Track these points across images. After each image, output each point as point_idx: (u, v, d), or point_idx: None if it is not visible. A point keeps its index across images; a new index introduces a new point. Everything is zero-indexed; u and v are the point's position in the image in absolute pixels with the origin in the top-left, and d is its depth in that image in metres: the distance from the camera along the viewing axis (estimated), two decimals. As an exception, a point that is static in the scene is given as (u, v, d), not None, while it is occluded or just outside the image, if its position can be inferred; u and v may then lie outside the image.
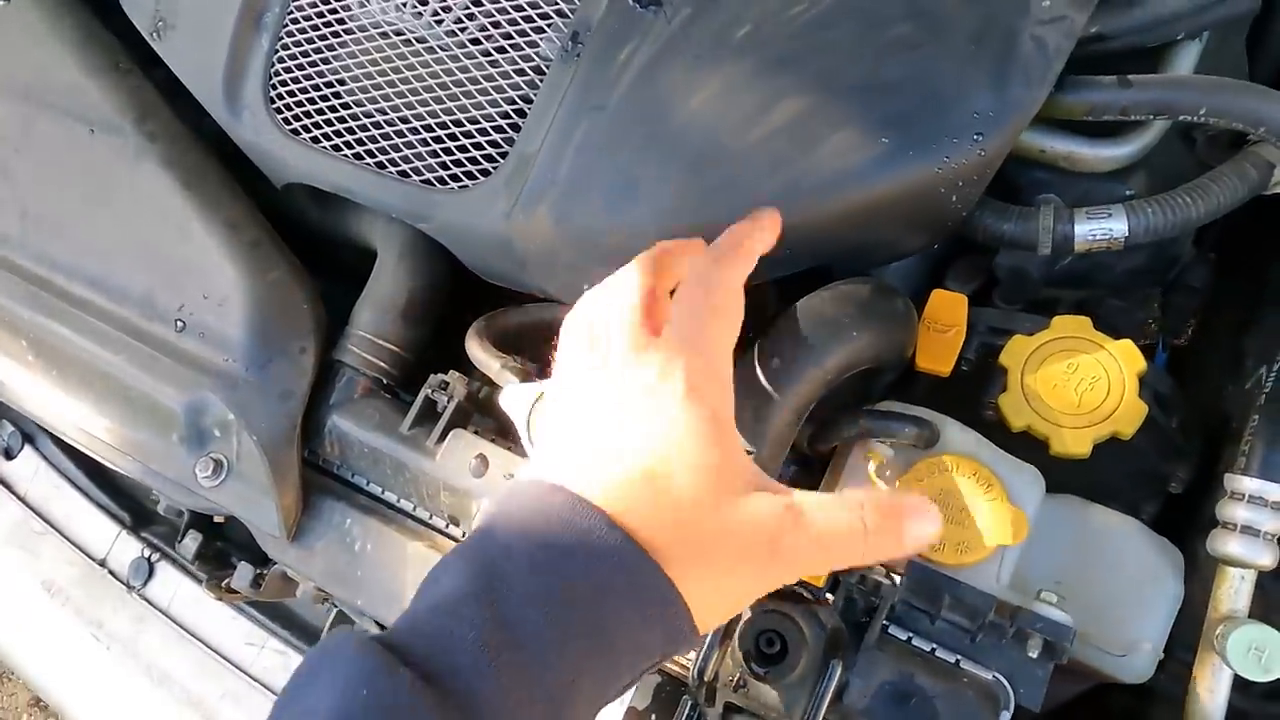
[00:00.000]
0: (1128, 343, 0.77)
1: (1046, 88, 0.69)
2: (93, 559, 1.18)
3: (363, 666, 0.41)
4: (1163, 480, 0.89)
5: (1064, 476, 0.77)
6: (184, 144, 0.88)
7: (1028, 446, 0.77)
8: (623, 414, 0.49)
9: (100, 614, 1.16)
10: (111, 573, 1.18)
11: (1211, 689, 0.65)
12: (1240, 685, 0.66)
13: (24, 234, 0.89)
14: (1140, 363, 0.77)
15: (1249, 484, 0.64)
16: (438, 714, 0.41)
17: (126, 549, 1.19)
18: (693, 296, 0.55)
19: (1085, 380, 0.77)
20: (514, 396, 0.72)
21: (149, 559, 1.17)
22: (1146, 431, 0.78)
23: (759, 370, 0.69)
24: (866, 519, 0.49)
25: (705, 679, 0.66)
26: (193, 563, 0.89)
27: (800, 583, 0.68)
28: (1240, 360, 1.00)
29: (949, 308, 0.80)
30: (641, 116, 0.74)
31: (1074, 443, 0.76)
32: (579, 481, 0.47)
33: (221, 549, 0.90)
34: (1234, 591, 0.63)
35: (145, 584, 1.16)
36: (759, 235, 0.62)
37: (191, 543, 0.88)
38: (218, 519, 0.91)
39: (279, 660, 1.10)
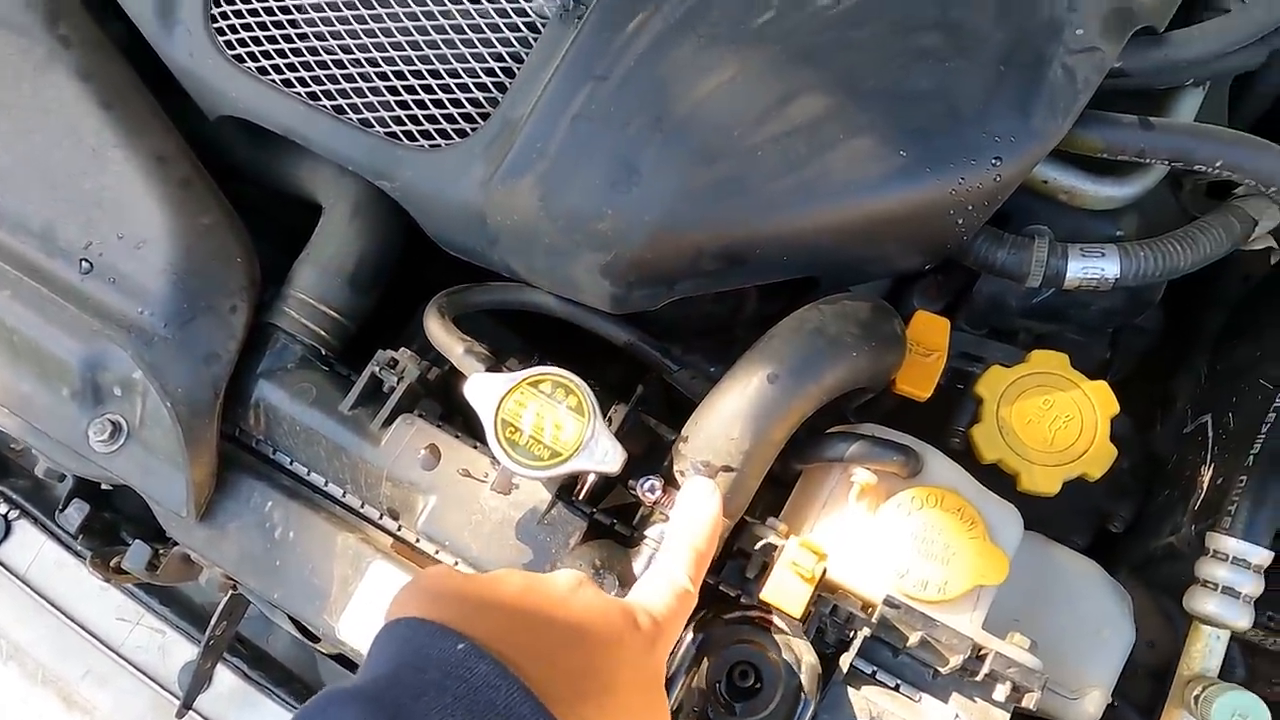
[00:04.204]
0: (1103, 384, 0.77)
1: (1071, 119, 0.67)
2: (-65, 512, 1.04)
3: None
4: (1104, 517, 0.90)
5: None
6: (103, 55, 0.76)
7: (995, 478, 0.76)
8: (628, 685, 0.51)
9: (-58, 575, 1.03)
10: (-42, 529, 1.04)
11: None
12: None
13: (-109, 136, 0.75)
14: (1114, 406, 0.76)
15: (1232, 544, 0.65)
16: None
17: (-22, 503, 1.05)
18: None
19: (1060, 418, 0.77)
20: (482, 387, 0.65)
21: (5, 516, 1.04)
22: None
23: (756, 382, 0.65)
24: None
25: (671, 712, 0.62)
26: (76, 537, 0.78)
27: (777, 612, 0.64)
28: (1171, 402, 1.03)
29: (932, 331, 0.77)
30: (648, 94, 0.68)
31: (1044, 481, 0.75)
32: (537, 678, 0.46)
33: (110, 521, 0.79)
34: (1208, 651, 0.64)
35: (-1, 544, 1.03)
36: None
37: (76, 514, 0.77)
38: (105, 486, 0.81)
39: (154, 639, 1.00)
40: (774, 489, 0.76)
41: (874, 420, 0.83)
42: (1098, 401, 0.76)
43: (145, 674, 0.98)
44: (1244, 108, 0.87)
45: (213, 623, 0.88)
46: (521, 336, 0.91)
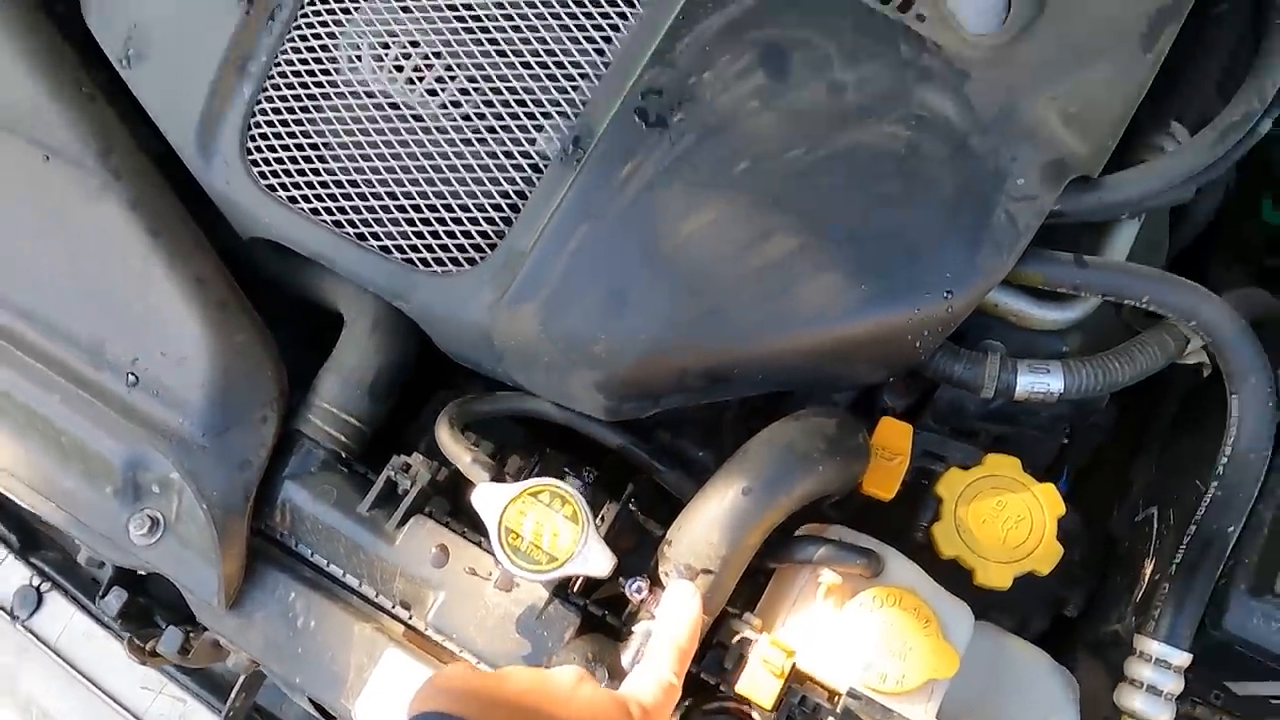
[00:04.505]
0: (1050, 487, 0.85)
1: (1014, 258, 0.75)
2: (-29, 583, 1.11)
3: None
4: (1059, 602, 0.97)
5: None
6: (151, 185, 0.84)
7: (952, 572, 0.83)
8: None
9: (-24, 643, 1.09)
10: (-8, 599, 1.11)
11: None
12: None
13: (-43, 256, 0.84)
14: (1060, 507, 0.84)
15: (1156, 647, 0.72)
16: None
17: (12, 574, 1.12)
18: None
19: (1011, 519, 0.84)
20: (487, 497, 0.72)
21: (38, 587, 1.11)
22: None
23: (732, 494, 0.73)
24: None
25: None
26: (116, 621, 0.85)
27: (748, 702, 0.71)
28: (1128, 487, 1.10)
29: (896, 436, 0.85)
30: (639, 232, 0.76)
31: (997, 577, 0.82)
32: None
33: (145, 605, 0.87)
34: (1135, 743, 0.71)
35: (32, 614, 1.10)
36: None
37: (115, 600, 0.84)
38: (140, 572, 0.88)
39: (175, 708, 1.07)
40: (751, 581, 0.83)
41: (845, 514, 0.91)
42: (1046, 503, 0.84)
43: (166, 741, 1.05)
44: (1182, 230, 0.96)
45: (233, 694, 0.95)
46: (526, 429, 0.98)
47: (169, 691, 1.06)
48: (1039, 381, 0.82)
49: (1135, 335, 0.86)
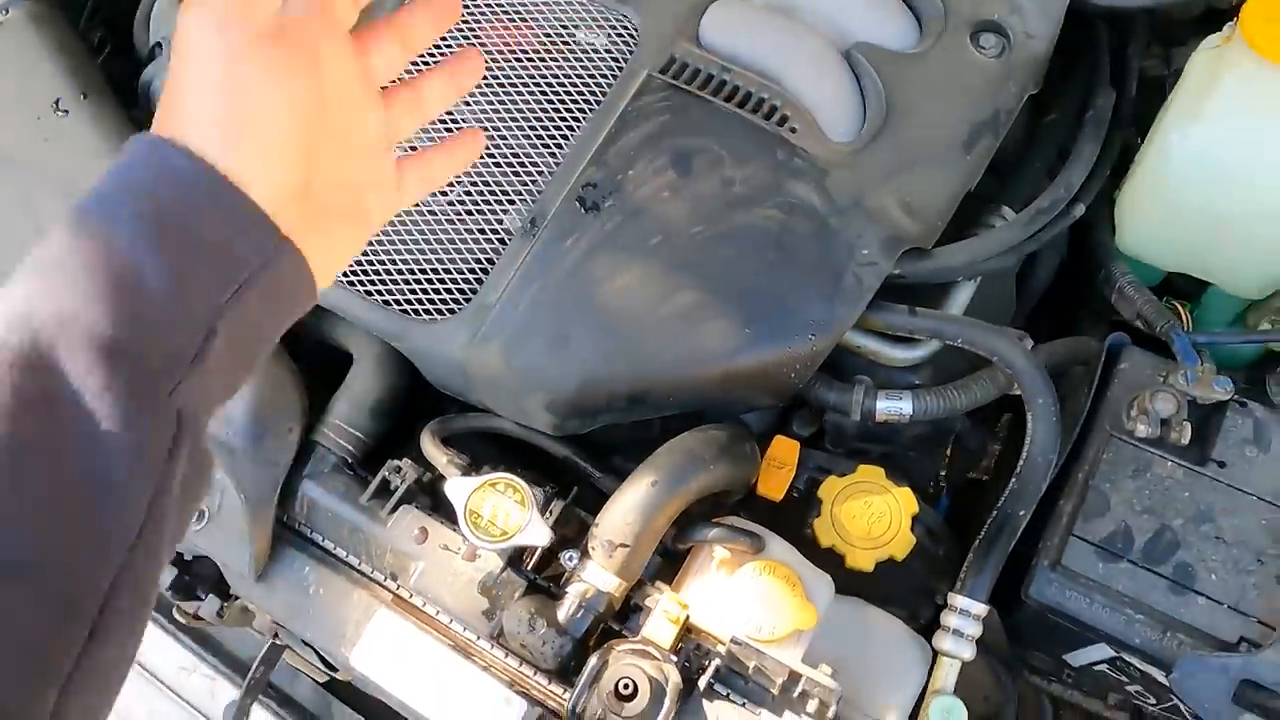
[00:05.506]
0: (907, 490, 1.07)
1: (859, 309, 0.99)
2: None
3: None
4: (932, 593, 1.18)
5: (864, 585, 1.04)
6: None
7: (830, 558, 1.05)
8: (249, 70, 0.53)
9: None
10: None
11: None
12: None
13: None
14: (914, 506, 1.06)
15: (961, 601, 0.93)
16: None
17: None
18: None
19: (875, 515, 1.06)
20: (456, 487, 0.95)
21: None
22: (919, 557, 1.08)
23: (644, 486, 0.95)
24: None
25: (578, 713, 0.90)
26: (166, 591, 1.07)
27: (654, 645, 0.93)
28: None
29: (785, 451, 1.08)
30: (578, 289, 1.01)
31: (862, 560, 1.04)
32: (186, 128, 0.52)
33: (190, 582, 1.09)
34: (945, 674, 0.92)
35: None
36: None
37: (166, 575, 1.07)
38: (188, 556, 1.10)
39: (206, 685, 1.28)
40: (670, 562, 1.05)
41: (753, 515, 1.13)
42: (903, 503, 1.06)
43: (202, 714, 1.25)
44: (1026, 294, 1.20)
45: (254, 666, 1.17)
46: (497, 449, 1.21)
47: (201, 670, 1.28)
48: (893, 406, 1.05)
49: (974, 371, 1.09)
